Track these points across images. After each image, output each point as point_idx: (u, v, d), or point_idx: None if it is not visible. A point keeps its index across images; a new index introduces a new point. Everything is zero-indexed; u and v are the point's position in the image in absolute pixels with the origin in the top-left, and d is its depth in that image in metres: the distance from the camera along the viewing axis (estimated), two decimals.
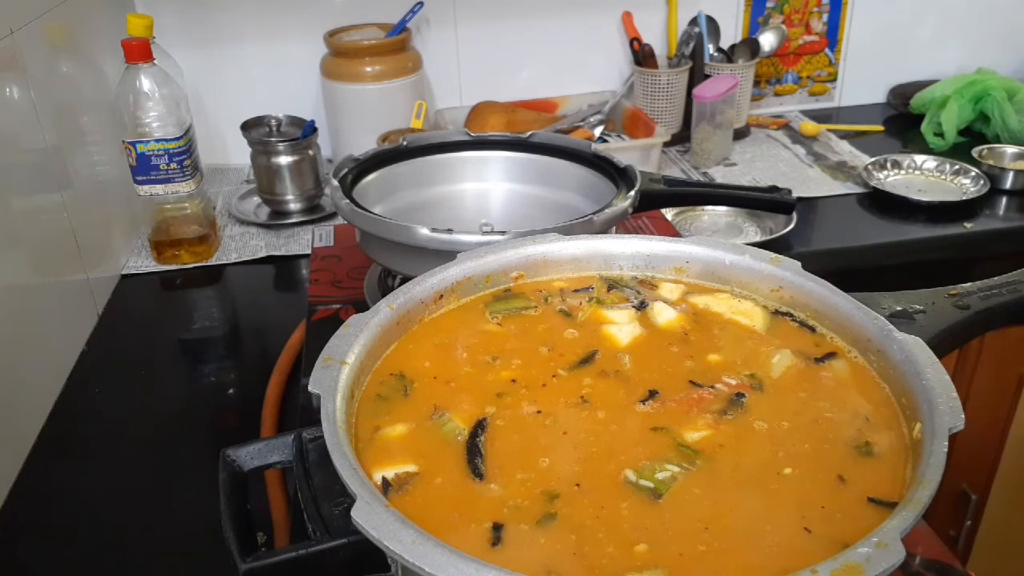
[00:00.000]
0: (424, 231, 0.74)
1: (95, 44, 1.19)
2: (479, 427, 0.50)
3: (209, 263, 1.20)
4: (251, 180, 1.40)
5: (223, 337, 1.08)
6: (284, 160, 1.29)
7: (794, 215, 1.27)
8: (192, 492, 0.78)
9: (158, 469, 0.83)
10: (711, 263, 0.64)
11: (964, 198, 1.35)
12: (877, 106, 1.78)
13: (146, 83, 1.08)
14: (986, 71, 1.63)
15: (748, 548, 0.42)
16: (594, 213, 0.77)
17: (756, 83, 1.68)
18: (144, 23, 1.07)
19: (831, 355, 0.56)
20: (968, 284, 0.62)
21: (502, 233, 0.72)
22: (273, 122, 1.31)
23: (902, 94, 1.72)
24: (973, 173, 1.40)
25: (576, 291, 0.64)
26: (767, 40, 1.63)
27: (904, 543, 0.37)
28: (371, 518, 0.39)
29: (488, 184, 0.97)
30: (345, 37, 1.42)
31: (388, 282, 0.92)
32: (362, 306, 0.89)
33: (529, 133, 0.96)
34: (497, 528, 0.43)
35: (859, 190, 1.40)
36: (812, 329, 0.59)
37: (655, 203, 0.89)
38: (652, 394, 0.53)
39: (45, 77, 1.00)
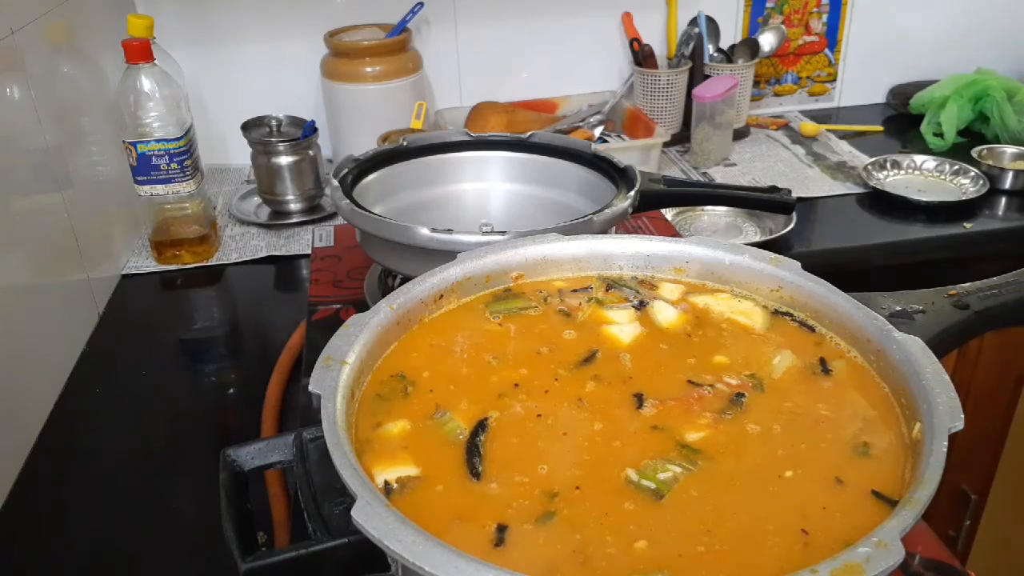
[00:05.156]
0: (424, 231, 0.74)
1: (95, 44, 1.19)
2: (480, 427, 0.50)
3: (209, 263, 1.20)
4: (251, 180, 1.40)
5: (223, 337, 1.08)
6: (284, 160, 1.29)
7: (794, 215, 1.27)
8: (192, 492, 0.78)
9: (158, 469, 0.83)
10: (711, 263, 0.64)
11: (964, 198, 1.35)
12: (877, 106, 1.78)
13: (146, 83, 1.08)
14: (985, 71, 1.63)
15: (749, 549, 0.42)
16: (594, 213, 0.78)
17: (756, 83, 1.69)
18: (144, 23, 1.07)
19: (831, 356, 0.56)
20: (968, 284, 0.63)
21: (502, 233, 0.72)
22: (273, 122, 1.32)
23: (902, 94, 1.72)
24: (972, 173, 1.40)
25: (575, 291, 0.64)
26: (767, 40, 1.63)
27: (904, 543, 0.37)
28: (371, 518, 0.39)
29: (488, 184, 0.97)
30: (345, 37, 1.42)
31: (388, 282, 0.92)
32: (362, 306, 0.89)
33: (529, 133, 0.96)
34: (501, 529, 0.43)
35: (859, 190, 1.40)
36: (812, 329, 0.59)
37: (655, 203, 0.89)
38: (652, 394, 0.53)
39: (45, 77, 1.00)
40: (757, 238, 1.28)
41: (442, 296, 0.61)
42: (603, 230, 0.78)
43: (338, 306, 0.91)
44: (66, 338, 0.99)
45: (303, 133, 1.29)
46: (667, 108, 1.55)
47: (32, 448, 0.85)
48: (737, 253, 0.63)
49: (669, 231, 1.07)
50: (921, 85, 1.67)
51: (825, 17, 1.70)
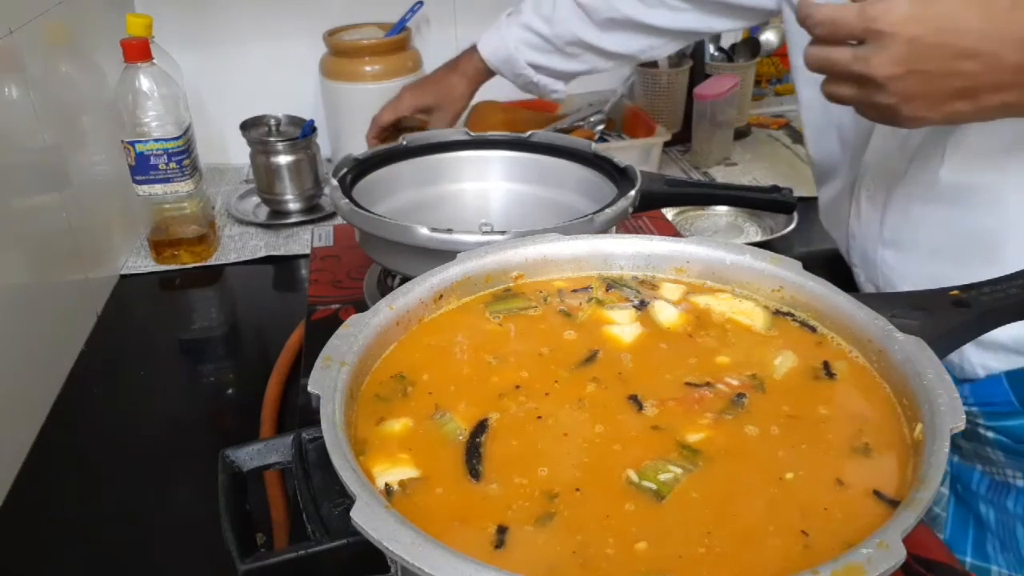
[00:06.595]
0: (424, 231, 0.74)
1: (94, 44, 1.19)
2: (480, 428, 0.50)
3: (208, 263, 1.19)
4: (250, 180, 1.40)
5: (222, 337, 1.08)
6: (283, 160, 1.28)
7: (795, 215, 1.27)
8: (192, 492, 0.78)
9: (157, 469, 0.83)
10: (711, 263, 0.63)
11: None
12: None
13: (145, 83, 1.07)
14: None
15: (750, 550, 0.42)
16: (594, 213, 0.77)
17: (757, 82, 1.68)
18: (143, 23, 1.07)
19: (833, 356, 0.56)
20: (968, 284, 0.62)
21: (502, 233, 0.72)
22: (272, 122, 1.31)
23: None
24: None
25: (575, 291, 0.64)
26: (768, 39, 1.63)
27: (905, 543, 0.37)
28: (371, 519, 0.38)
29: (488, 184, 0.97)
30: (345, 36, 1.42)
31: (388, 282, 0.92)
32: (362, 306, 0.89)
33: (529, 133, 0.96)
34: (501, 530, 0.43)
35: None
36: (813, 329, 0.59)
37: (655, 203, 0.88)
38: (652, 394, 0.53)
39: (44, 77, 1.00)
40: (758, 238, 1.28)
41: (442, 296, 0.60)
42: (603, 230, 0.78)
43: (337, 306, 0.91)
44: (65, 338, 0.98)
45: (302, 132, 1.29)
46: (668, 107, 1.55)
47: (32, 448, 0.84)
48: (738, 253, 0.63)
49: (669, 231, 1.07)
50: None
51: None
